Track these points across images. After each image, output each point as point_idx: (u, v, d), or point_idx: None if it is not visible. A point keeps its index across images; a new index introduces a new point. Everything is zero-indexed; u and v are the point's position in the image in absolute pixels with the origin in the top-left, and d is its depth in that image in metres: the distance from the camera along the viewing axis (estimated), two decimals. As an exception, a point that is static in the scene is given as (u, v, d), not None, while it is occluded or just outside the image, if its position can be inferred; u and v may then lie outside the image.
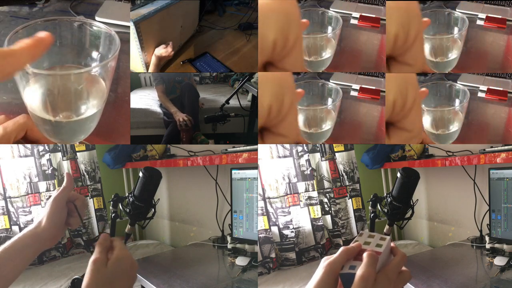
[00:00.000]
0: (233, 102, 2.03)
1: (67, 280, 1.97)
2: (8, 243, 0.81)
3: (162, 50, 1.48)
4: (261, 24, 0.69)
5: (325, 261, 0.66)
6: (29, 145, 2.21)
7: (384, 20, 1.24)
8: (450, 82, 1.22)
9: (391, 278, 0.66)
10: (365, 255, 0.66)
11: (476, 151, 1.69)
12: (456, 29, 1.19)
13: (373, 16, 1.25)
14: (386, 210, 1.44)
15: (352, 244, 0.69)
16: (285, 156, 2.09)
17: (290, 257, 2.05)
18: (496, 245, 1.62)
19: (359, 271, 0.64)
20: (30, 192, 2.24)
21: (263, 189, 2.04)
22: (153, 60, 1.48)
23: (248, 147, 1.74)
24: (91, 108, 0.65)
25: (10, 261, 0.80)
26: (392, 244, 0.72)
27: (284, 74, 0.71)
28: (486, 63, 1.27)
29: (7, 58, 0.53)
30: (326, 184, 2.14)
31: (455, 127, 1.16)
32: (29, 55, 0.56)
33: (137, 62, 1.46)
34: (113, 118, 1.25)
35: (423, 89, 0.98)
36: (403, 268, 0.69)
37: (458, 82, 1.24)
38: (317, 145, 2.11)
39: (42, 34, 0.58)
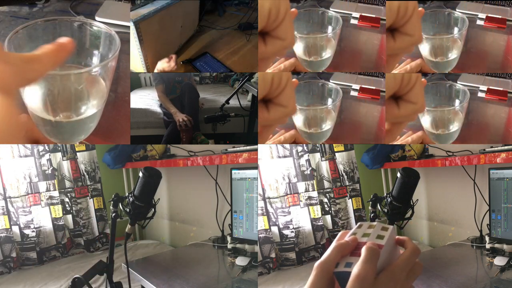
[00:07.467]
0: (233, 102, 2.03)
1: (67, 280, 1.98)
2: None
3: (165, 65, 1.45)
4: None
5: (317, 262, 0.57)
6: (29, 145, 2.21)
7: (384, 20, 1.24)
8: (450, 82, 1.22)
9: (398, 277, 0.56)
10: (363, 249, 0.55)
11: (476, 151, 1.69)
12: (456, 29, 1.19)
13: (373, 16, 1.25)
14: (386, 210, 1.44)
15: (347, 238, 0.59)
16: (285, 156, 2.09)
17: (290, 257, 2.05)
18: (496, 245, 1.62)
19: (355, 269, 0.54)
20: (30, 192, 2.24)
21: (263, 189, 2.04)
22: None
23: (248, 147, 1.74)
24: (91, 108, 0.65)
25: None
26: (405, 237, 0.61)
27: None
28: (486, 63, 1.27)
29: (32, 64, 0.52)
30: (326, 184, 2.14)
31: (455, 127, 1.16)
32: (53, 60, 0.55)
33: (137, 62, 1.46)
34: (113, 118, 1.25)
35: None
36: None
37: (458, 82, 1.24)
38: (317, 145, 2.11)
39: (64, 39, 0.57)
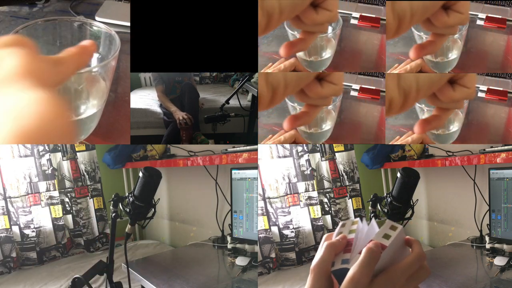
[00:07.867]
0: (233, 102, 2.03)
1: (67, 280, 1.97)
2: None
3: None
4: None
5: (312, 264, 0.57)
6: (29, 145, 2.21)
7: (384, 20, 1.24)
8: (450, 82, 1.21)
9: (396, 281, 0.54)
10: (364, 249, 0.55)
11: (476, 151, 1.69)
12: (456, 29, 1.19)
13: (373, 16, 1.25)
14: (386, 210, 1.44)
15: (337, 237, 0.59)
16: (285, 156, 2.10)
17: (290, 257, 2.05)
18: (496, 245, 1.62)
19: (351, 271, 0.53)
20: (30, 192, 2.24)
21: (263, 189, 2.04)
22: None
23: (248, 147, 1.74)
24: (91, 108, 0.65)
25: None
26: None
27: None
28: (486, 63, 1.27)
29: (58, 67, 0.53)
30: (326, 184, 2.14)
31: (455, 127, 1.16)
32: (77, 63, 0.56)
33: (137, 62, 1.46)
34: (113, 118, 1.25)
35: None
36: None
37: (458, 82, 1.24)
38: (317, 145, 2.11)
39: (86, 42, 0.59)
